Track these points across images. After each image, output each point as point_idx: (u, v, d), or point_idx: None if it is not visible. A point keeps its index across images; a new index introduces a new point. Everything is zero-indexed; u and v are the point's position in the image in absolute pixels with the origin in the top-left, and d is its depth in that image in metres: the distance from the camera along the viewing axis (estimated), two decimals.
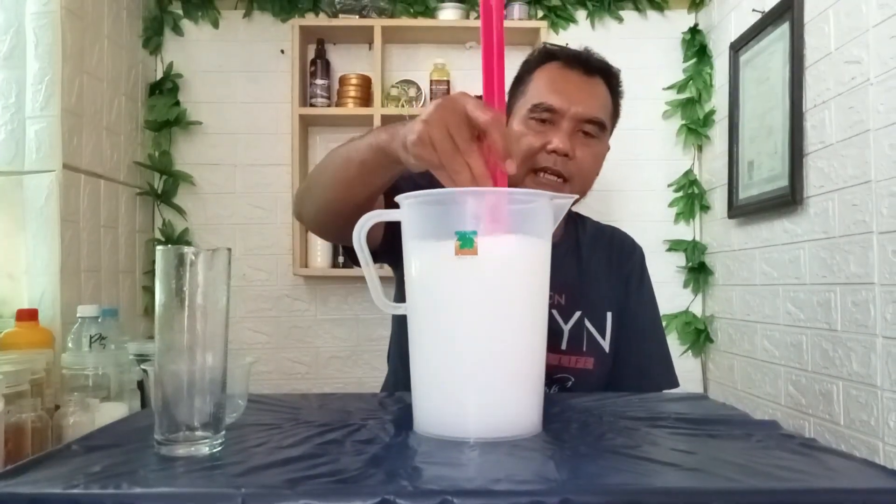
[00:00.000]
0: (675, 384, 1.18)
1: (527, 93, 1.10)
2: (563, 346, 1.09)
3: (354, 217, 0.92)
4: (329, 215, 0.95)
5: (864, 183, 1.43)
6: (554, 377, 1.08)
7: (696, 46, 2.28)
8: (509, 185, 1.07)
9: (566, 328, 1.10)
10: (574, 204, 0.79)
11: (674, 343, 2.27)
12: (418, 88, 2.27)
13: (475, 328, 0.66)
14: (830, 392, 1.55)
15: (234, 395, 0.71)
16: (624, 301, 1.17)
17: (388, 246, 0.88)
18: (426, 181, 0.93)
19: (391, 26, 2.20)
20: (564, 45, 1.21)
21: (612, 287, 1.17)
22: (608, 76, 1.12)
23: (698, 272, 2.27)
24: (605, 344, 1.13)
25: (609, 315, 1.14)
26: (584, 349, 1.11)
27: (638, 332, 1.17)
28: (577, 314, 1.12)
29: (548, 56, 1.11)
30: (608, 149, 1.16)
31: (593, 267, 1.17)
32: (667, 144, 2.33)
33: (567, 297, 1.11)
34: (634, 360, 1.15)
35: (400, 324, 1.18)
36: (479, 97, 0.73)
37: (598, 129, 1.08)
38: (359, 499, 0.48)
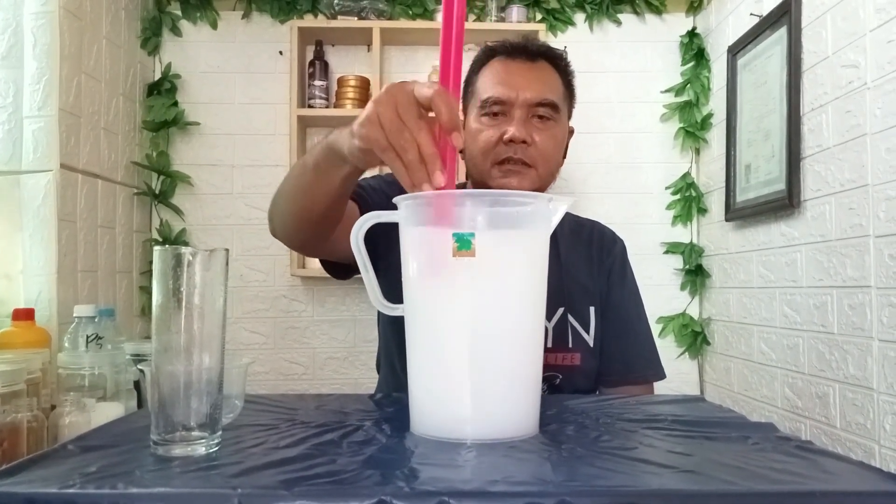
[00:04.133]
0: (662, 375, 1.18)
1: (475, 92, 1.11)
2: (549, 344, 1.09)
3: (319, 226, 0.92)
4: (296, 225, 0.94)
5: (861, 187, 1.43)
6: (542, 375, 1.09)
7: (693, 50, 2.28)
8: (478, 185, 1.09)
9: (550, 325, 1.10)
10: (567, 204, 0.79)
11: (671, 345, 2.27)
12: None
13: (473, 330, 0.66)
14: (827, 395, 1.55)
15: (230, 396, 0.71)
16: (606, 294, 1.17)
17: (369, 255, 0.86)
18: (396, 191, 0.94)
19: (390, 28, 2.20)
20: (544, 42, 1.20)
21: (593, 281, 1.17)
22: (552, 58, 1.12)
23: (695, 275, 2.27)
24: (590, 339, 1.13)
25: (592, 309, 1.14)
26: (570, 345, 1.11)
27: (622, 325, 1.17)
28: (560, 311, 1.11)
29: (490, 53, 1.12)
30: (570, 131, 1.16)
31: (573, 262, 1.16)
32: (664, 147, 2.34)
33: (548, 294, 1.11)
34: (620, 353, 1.15)
35: (386, 331, 1.18)
36: None
37: (552, 110, 1.08)
38: (355, 500, 0.47)
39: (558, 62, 1.13)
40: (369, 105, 0.69)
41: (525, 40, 1.13)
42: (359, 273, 1.03)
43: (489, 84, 1.09)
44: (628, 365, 1.15)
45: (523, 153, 1.05)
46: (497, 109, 1.07)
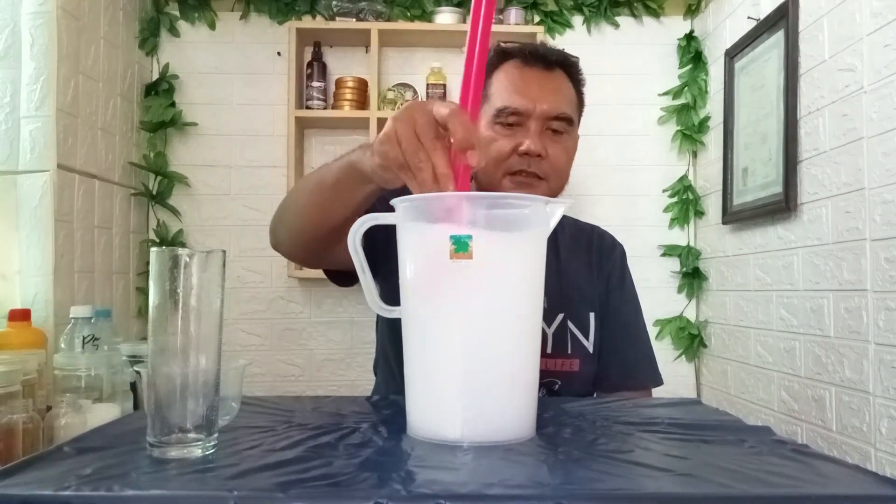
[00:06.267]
0: (660, 382, 1.18)
1: (489, 96, 1.08)
2: (549, 350, 1.09)
3: (331, 241, 0.92)
4: (305, 241, 0.94)
5: (858, 190, 1.43)
6: (541, 381, 1.08)
7: (691, 53, 2.29)
8: (486, 189, 1.08)
9: (549, 331, 1.10)
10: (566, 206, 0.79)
11: (667, 348, 2.27)
12: (415, 92, 2.27)
13: (470, 332, 0.66)
14: (823, 398, 1.55)
15: (227, 398, 0.71)
16: (606, 300, 1.17)
17: (370, 261, 0.85)
18: (394, 196, 0.93)
19: (388, 29, 2.20)
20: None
21: (593, 286, 1.17)
22: (567, 67, 1.11)
23: (692, 277, 2.27)
24: (589, 344, 1.12)
25: (592, 315, 1.14)
26: (569, 351, 1.11)
27: (621, 331, 1.17)
28: (560, 316, 1.11)
29: (505, 55, 1.10)
30: (577, 139, 1.15)
31: (573, 267, 1.16)
32: (662, 150, 2.34)
33: (548, 299, 1.10)
34: (618, 359, 1.15)
35: (384, 334, 1.18)
36: None
37: (566, 124, 1.07)
38: (352, 502, 0.47)
39: (572, 71, 1.11)
40: (389, 122, 0.70)
41: (542, 46, 1.11)
42: (355, 282, 1.04)
43: (505, 92, 1.06)
44: (626, 371, 1.15)
45: (536, 166, 1.04)
46: (513, 120, 1.05)
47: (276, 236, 0.99)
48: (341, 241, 0.93)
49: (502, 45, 1.12)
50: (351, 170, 0.81)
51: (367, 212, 1.00)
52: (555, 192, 1.09)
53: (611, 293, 1.18)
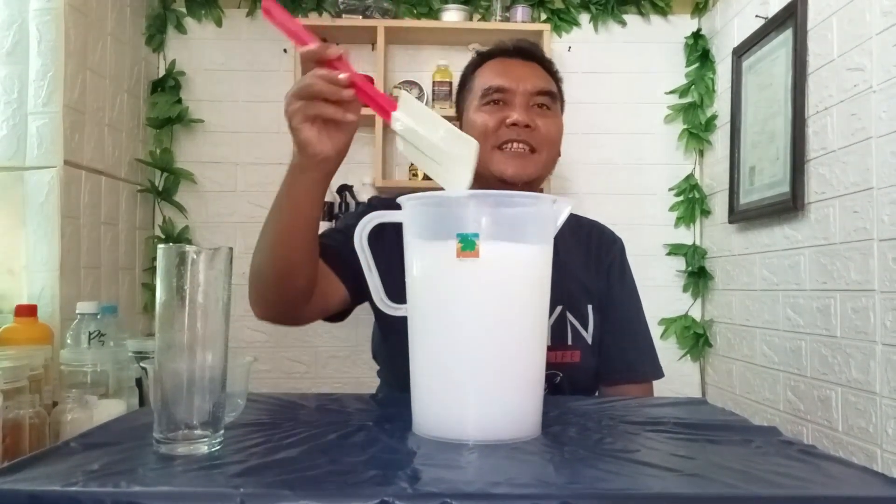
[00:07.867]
0: (661, 374, 1.18)
1: (473, 89, 1.13)
2: (548, 342, 1.09)
3: (305, 267, 0.96)
4: (282, 279, 0.98)
5: (866, 190, 1.43)
6: None
7: (698, 51, 2.28)
8: (479, 172, 1.10)
9: (548, 323, 1.10)
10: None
11: (672, 347, 2.27)
12: (421, 89, 2.27)
13: (476, 330, 0.66)
14: (829, 398, 1.55)
15: (233, 394, 0.71)
16: (606, 293, 1.17)
17: (351, 261, 0.83)
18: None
19: (394, 27, 2.20)
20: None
21: (592, 279, 1.17)
22: (543, 62, 1.16)
23: (698, 276, 2.27)
24: (589, 336, 1.13)
25: (590, 308, 1.14)
26: (569, 343, 1.11)
27: (621, 324, 1.17)
28: (559, 309, 1.11)
29: (485, 56, 1.16)
30: (562, 124, 1.18)
31: (572, 260, 1.16)
32: (668, 148, 2.33)
33: None
34: (619, 352, 1.15)
35: (385, 330, 1.18)
36: None
37: (551, 99, 1.11)
38: (358, 500, 0.47)
39: (549, 66, 1.16)
40: (292, 127, 0.80)
41: (518, 41, 1.16)
42: (349, 314, 1.09)
43: (489, 77, 1.11)
44: (627, 364, 1.16)
45: (527, 136, 1.07)
46: (498, 97, 1.09)
47: (257, 302, 1.09)
48: (312, 277, 0.98)
49: (479, 51, 1.18)
50: (296, 169, 0.87)
51: (332, 257, 1.03)
52: (547, 165, 1.11)
53: (611, 287, 1.18)
